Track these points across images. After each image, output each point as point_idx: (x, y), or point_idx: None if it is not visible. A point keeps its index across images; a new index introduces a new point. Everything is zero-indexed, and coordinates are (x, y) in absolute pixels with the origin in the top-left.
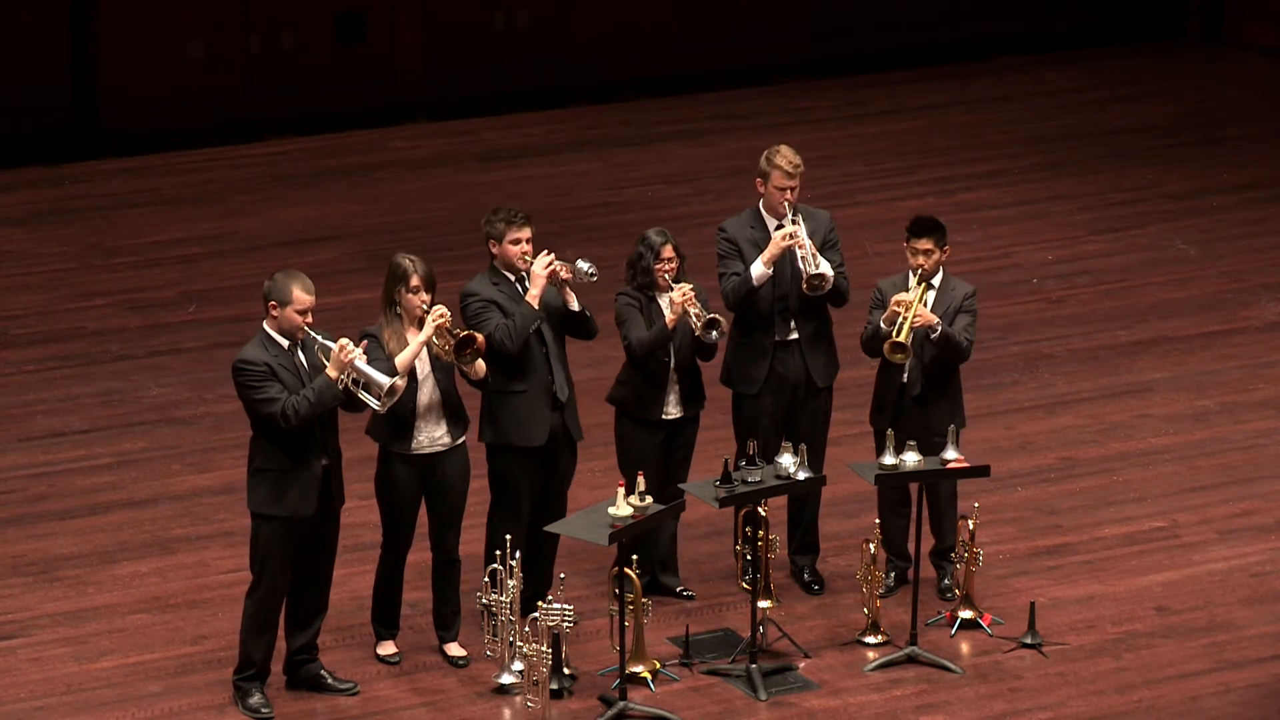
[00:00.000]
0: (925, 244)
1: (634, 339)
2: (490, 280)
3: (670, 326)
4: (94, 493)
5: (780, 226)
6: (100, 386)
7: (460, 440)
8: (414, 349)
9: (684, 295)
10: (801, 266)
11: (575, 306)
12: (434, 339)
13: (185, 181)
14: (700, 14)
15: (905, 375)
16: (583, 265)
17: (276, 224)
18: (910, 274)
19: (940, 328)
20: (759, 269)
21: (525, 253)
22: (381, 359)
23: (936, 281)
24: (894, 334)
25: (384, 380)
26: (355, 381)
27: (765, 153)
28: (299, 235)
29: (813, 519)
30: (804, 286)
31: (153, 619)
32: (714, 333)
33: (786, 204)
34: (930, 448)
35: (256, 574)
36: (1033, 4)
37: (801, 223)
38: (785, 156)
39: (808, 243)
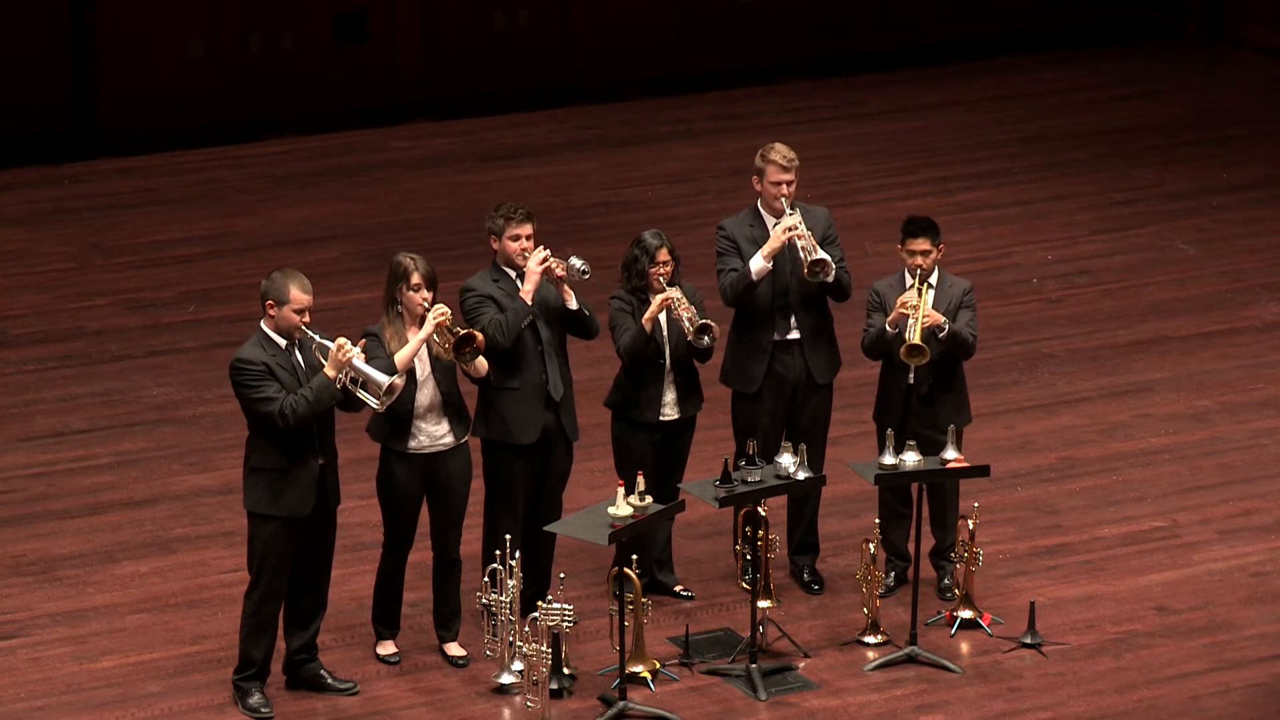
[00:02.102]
0: (922, 244)
1: (621, 345)
2: (490, 277)
3: (648, 328)
4: (94, 493)
5: (791, 212)
6: (100, 386)
7: (463, 440)
8: (413, 347)
9: (666, 298)
10: (802, 256)
11: (573, 305)
12: (434, 337)
13: (185, 181)
14: (700, 14)
15: (912, 375)
16: (576, 263)
17: (276, 224)
18: (906, 274)
19: (947, 326)
20: (758, 263)
21: (525, 249)
22: (382, 357)
23: (934, 280)
24: (908, 337)
25: (382, 379)
26: (353, 380)
27: (759, 151)
28: (299, 235)
29: (812, 518)
30: (805, 272)
31: (153, 619)
32: (705, 338)
33: (784, 199)
34: (939, 446)
35: (254, 574)
36: (1033, 4)
37: (800, 215)
38: (779, 151)
39: (808, 234)
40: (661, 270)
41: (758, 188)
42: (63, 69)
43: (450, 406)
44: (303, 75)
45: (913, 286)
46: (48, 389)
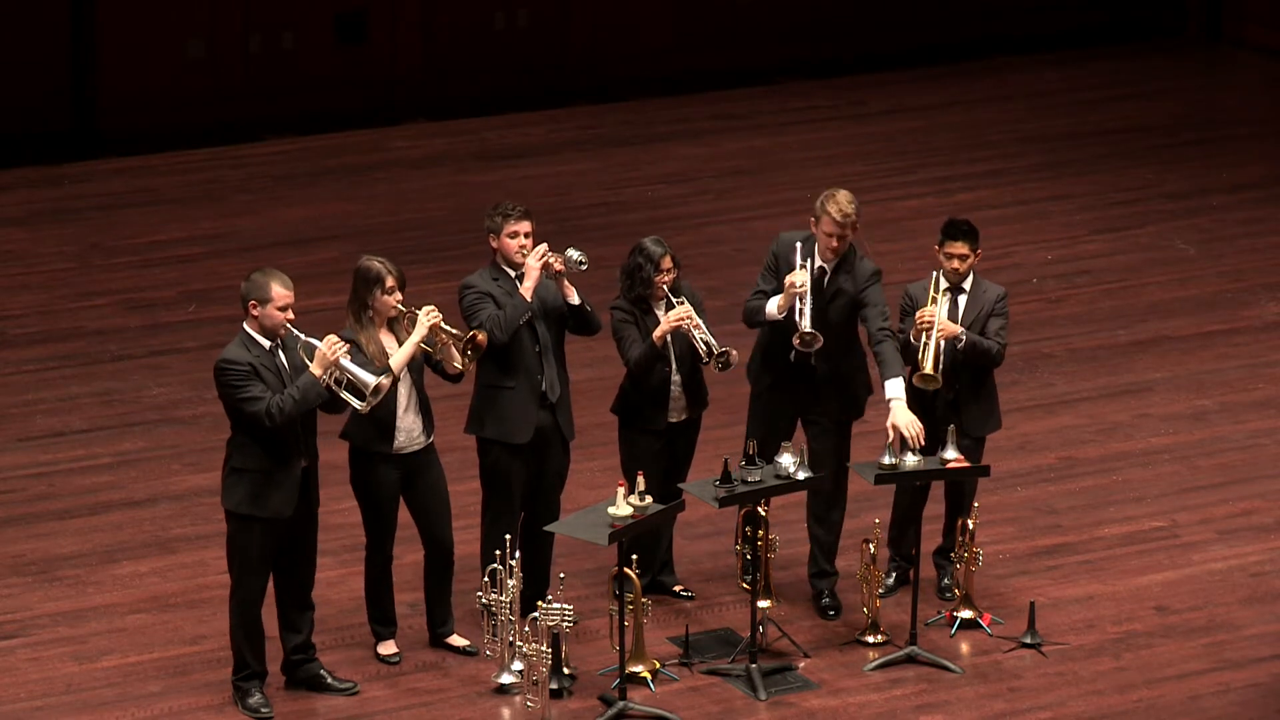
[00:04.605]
0: (960, 248)
1: (631, 358)
2: (490, 275)
3: (659, 343)
4: (94, 493)
5: (803, 267)
6: (100, 386)
7: (431, 439)
8: (408, 350)
9: (679, 317)
10: (797, 320)
11: (575, 300)
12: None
13: (185, 181)
14: (699, 14)
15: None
16: (573, 254)
17: (276, 224)
18: (941, 278)
19: (965, 338)
20: (772, 309)
21: (523, 246)
22: (365, 362)
23: (967, 285)
24: (920, 361)
25: (369, 379)
26: (338, 381)
27: (823, 194)
28: (299, 235)
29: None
30: (795, 341)
31: (152, 619)
32: (722, 370)
33: (831, 251)
34: (965, 453)
35: (235, 576)
36: (1033, 4)
37: (806, 276)
38: (839, 205)
39: (808, 304)
40: (666, 277)
41: (814, 229)
42: (63, 69)
43: (423, 404)
44: (303, 75)
45: (933, 299)
46: (48, 389)
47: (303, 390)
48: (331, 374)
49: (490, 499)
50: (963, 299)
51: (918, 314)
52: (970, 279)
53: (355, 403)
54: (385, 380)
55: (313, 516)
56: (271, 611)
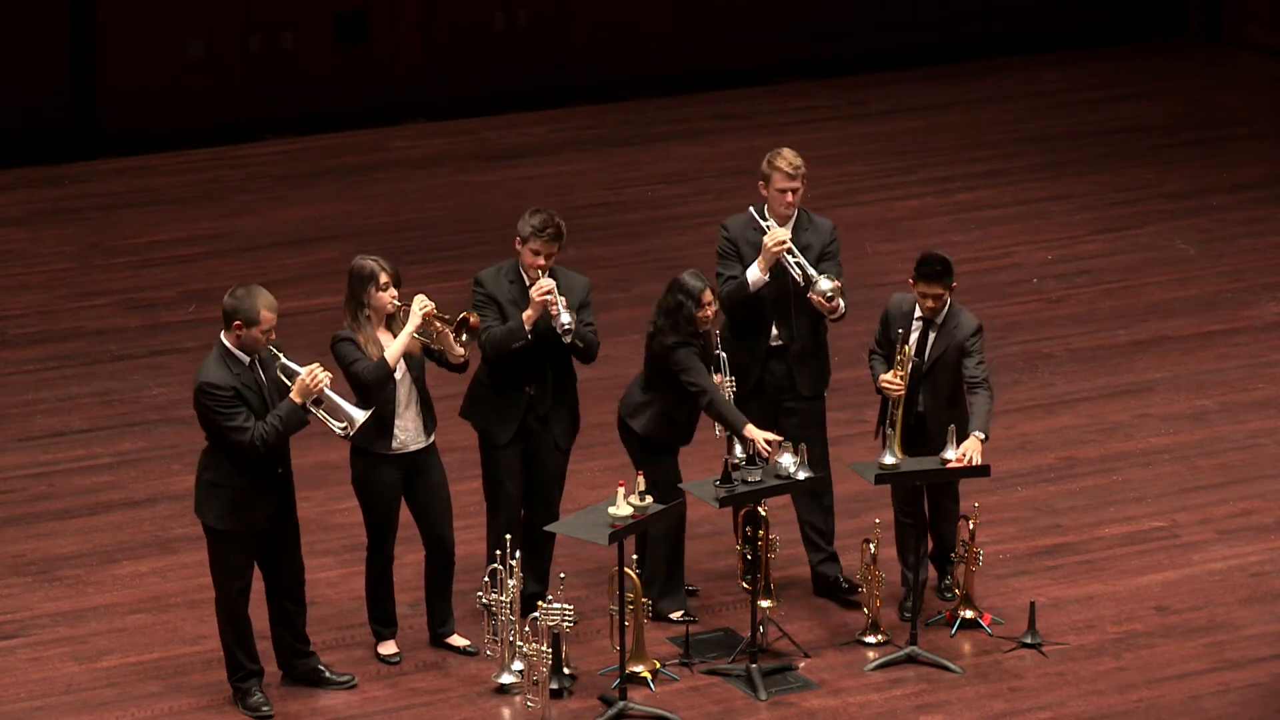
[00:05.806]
0: (935, 289)
1: (708, 405)
2: (507, 277)
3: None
4: (94, 493)
5: (769, 227)
6: (100, 386)
7: (432, 438)
8: (403, 341)
9: (760, 439)
10: (796, 274)
11: (567, 341)
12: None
13: (185, 181)
14: (700, 14)
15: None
16: (564, 318)
17: (276, 224)
18: (917, 306)
19: (988, 433)
20: (754, 274)
21: (540, 266)
22: (364, 359)
23: (940, 318)
24: (891, 444)
25: (356, 414)
26: (317, 403)
27: (767, 156)
28: (299, 235)
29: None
30: (811, 296)
31: (153, 619)
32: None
33: (788, 207)
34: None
35: (217, 585)
36: (1033, 4)
37: (784, 231)
38: (786, 158)
39: (798, 253)
40: (708, 312)
41: (763, 192)
42: (63, 69)
43: (424, 402)
44: (303, 75)
45: (899, 373)
46: (48, 389)
47: (285, 420)
48: (310, 399)
49: (486, 489)
50: (933, 334)
51: (882, 379)
52: (945, 310)
53: (335, 428)
54: (367, 417)
55: (292, 518)
56: (263, 612)
